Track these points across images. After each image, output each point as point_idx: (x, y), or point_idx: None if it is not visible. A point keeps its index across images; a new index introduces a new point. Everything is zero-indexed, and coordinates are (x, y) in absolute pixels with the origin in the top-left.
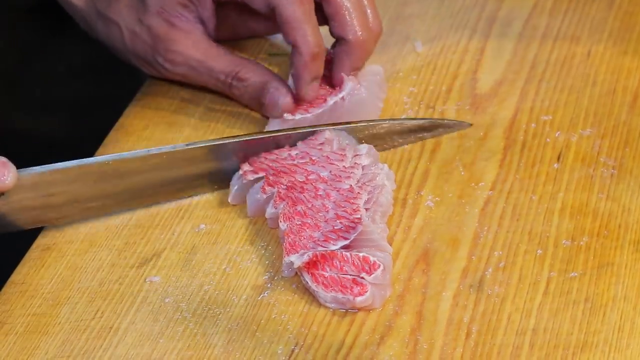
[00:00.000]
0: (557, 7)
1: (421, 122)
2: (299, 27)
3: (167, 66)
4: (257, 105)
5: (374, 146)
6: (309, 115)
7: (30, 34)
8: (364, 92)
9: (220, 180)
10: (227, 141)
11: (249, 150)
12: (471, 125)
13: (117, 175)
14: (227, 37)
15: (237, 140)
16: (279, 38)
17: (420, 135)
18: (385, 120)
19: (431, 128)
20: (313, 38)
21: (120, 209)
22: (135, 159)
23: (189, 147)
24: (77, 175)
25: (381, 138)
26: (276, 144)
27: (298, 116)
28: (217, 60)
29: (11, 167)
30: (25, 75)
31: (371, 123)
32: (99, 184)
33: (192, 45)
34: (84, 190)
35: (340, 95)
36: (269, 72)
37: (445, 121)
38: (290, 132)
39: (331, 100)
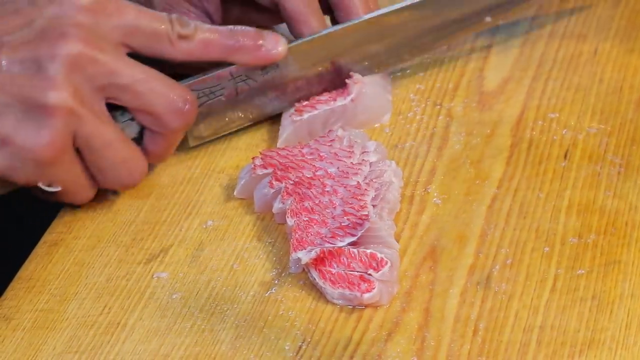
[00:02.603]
0: (563, 5)
1: None
2: (305, 20)
3: None
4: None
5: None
6: (316, 112)
7: None
8: (371, 89)
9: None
10: None
11: None
12: None
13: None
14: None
15: None
16: (282, 28)
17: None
18: None
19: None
20: (319, 30)
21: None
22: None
23: None
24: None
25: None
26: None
27: (306, 115)
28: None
29: (281, 38)
30: None
31: None
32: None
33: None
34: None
35: (350, 98)
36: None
37: None
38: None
39: (340, 102)
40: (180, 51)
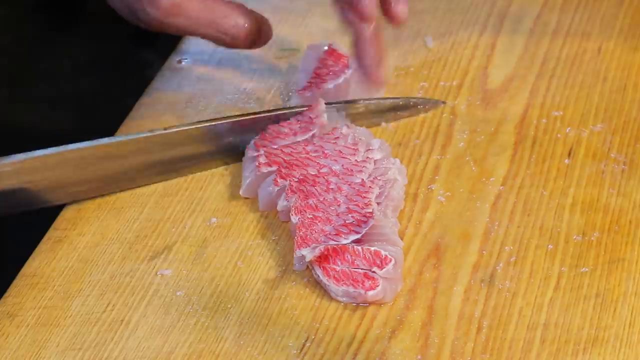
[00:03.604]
0: (568, 3)
1: (396, 101)
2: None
3: (158, 16)
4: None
5: (355, 124)
6: (318, 91)
7: (37, 30)
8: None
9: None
10: (207, 124)
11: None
12: (445, 103)
13: (98, 160)
14: None
15: (219, 122)
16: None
17: (398, 113)
18: (361, 99)
19: (406, 107)
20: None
21: (109, 190)
22: (116, 143)
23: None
24: (58, 160)
25: (362, 117)
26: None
27: (308, 94)
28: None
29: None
30: (32, 72)
31: (349, 102)
32: (80, 170)
33: None
34: (66, 176)
35: (350, 72)
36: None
37: (419, 99)
38: (282, 111)
39: (342, 77)
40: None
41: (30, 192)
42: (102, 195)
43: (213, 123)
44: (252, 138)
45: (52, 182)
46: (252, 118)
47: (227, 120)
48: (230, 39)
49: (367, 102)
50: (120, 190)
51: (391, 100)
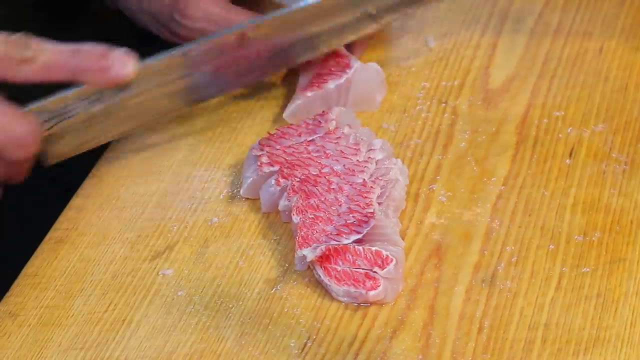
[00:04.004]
0: (569, 3)
1: None
2: None
3: (185, 22)
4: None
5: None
6: (320, 91)
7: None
8: (367, 68)
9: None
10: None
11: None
12: None
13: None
14: None
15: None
16: None
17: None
18: None
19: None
20: None
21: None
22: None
23: None
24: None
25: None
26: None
27: (309, 93)
28: (238, 14)
29: (131, 57)
30: None
31: None
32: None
33: (211, 1)
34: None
35: (352, 72)
36: None
37: None
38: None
39: (344, 77)
40: (21, 75)
41: (178, 90)
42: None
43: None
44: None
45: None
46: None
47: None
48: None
49: None
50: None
51: None
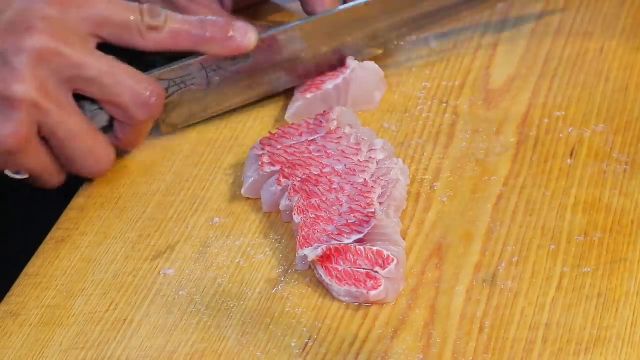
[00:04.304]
0: (570, 3)
1: None
2: None
3: None
4: None
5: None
6: (319, 92)
7: None
8: (364, 67)
9: None
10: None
11: None
12: None
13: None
14: (240, 6)
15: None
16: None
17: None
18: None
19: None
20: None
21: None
22: None
23: None
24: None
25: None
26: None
27: (309, 95)
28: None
29: (251, 28)
30: None
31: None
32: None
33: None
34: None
35: (349, 72)
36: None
37: None
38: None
39: (341, 77)
40: (150, 42)
41: (292, 62)
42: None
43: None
44: None
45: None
46: None
47: None
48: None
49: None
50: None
51: None
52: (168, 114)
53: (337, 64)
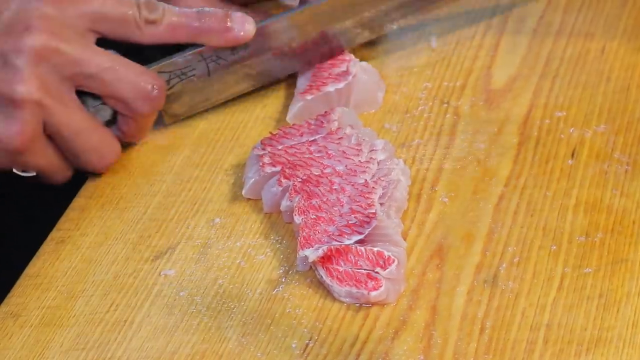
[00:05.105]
0: (571, 3)
1: None
2: None
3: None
4: None
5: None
6: (320, 93)
7: None
8: (365, 69)
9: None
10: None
11: None
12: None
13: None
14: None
15: None
16: None
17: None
18: None
19: None
20: None
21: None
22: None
23: None
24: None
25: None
26: None
27: (309, 97)
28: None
29: (249, 18)
30: None
31: None
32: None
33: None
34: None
35: (352, 75)
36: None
37: None
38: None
39: (344, 81)
40: (148, 35)
41: (288, 52)
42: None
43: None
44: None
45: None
46: None
47: None
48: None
49: None
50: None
51: None
52: (170, 105)
53: (335, 50)
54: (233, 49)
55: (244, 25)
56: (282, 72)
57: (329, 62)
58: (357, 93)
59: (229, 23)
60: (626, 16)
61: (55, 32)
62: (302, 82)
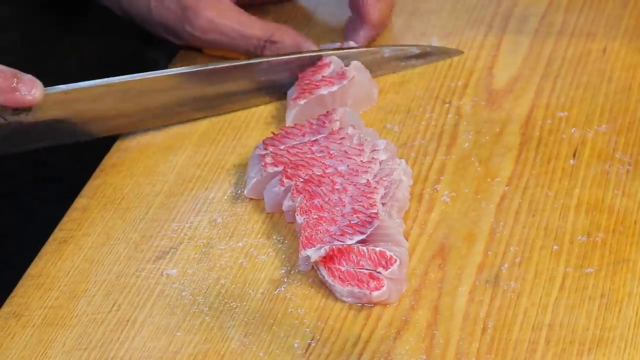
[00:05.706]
0: (573, 3)
1: (414, 49)
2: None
3: (196, 34)
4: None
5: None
6: (312, 97)
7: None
8: (362, 72)
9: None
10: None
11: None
12: (462, 52)
13: (142, 93)
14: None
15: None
16: None
17: (414, 62)
18: (387, 46)
19: (423, 55)
20: None
21: (155, 125)
22: (160, 77)
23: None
24: (103, 92)
25: (378, 64)
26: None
27: (301, 101)
28: (250, 26)
29: (38, 83)
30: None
31: (373, 49)
32: (125, 103)
33: (222, 13)
34: (110, 107)
35: (346, 81)
36: (299, 34)
37: (434, 48)
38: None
39: (346, 80)
40: None
41: (73, 123)
42: (141, 132)
43: (254, 61)
44: (290, 78)
45: (95, 114)
46: (289, 58)
47: (266, 59)
48: (254, 49)
49: (393, 48)
50: (163, 126)
51: (410, 49)
52: None
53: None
54: (15, 110)
55: (31, 89)
56: (74, 138)
57: (311, 69)
58: (354, 92)
59: (15, 84)
60: (628, 16)
61: None
62: (291, 91)
